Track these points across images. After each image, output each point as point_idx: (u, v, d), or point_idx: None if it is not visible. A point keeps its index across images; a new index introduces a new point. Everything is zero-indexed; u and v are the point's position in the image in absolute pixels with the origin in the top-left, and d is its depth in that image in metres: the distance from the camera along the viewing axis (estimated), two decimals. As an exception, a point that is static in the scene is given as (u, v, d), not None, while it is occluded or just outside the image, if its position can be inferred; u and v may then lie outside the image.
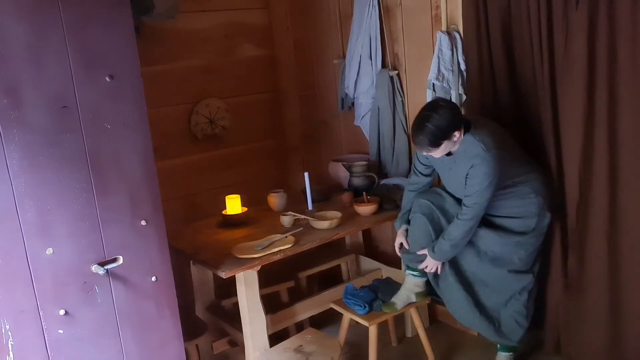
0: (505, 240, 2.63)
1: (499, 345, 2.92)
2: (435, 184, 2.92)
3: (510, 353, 2.90)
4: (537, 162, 2.72)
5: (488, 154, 2.44)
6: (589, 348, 2.72)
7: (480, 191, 2.48)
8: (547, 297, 2.87)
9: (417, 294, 2.84)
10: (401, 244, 2.88)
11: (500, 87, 2.85)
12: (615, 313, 2.60)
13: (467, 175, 2.50)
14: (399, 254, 2.92)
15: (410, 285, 2.84)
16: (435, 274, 2.75)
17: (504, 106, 2.85)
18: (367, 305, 2.80)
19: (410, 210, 2.83)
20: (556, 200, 2.70)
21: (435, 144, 2.43)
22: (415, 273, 2.83)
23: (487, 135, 2.49)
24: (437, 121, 2.40)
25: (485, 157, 2.44)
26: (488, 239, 2.64)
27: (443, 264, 2.70)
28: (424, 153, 2.55)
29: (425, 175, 2.81)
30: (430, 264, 2.69)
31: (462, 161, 2.52)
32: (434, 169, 2.77)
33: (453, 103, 2.62)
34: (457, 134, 2.45)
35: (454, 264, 2.72)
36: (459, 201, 2.71)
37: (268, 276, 3.08)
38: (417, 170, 2.82)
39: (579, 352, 2.78)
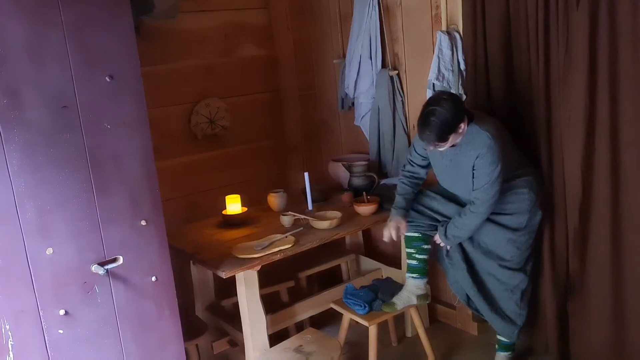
0: (498, 235, 2.63)
1: (497, 345, 2.93)
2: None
3: (509, 352, 2.91)
4: (530, 160, 2.72)
5: (494, 141, 2.44)
6: (593, 349, 2.72)
7: (490, 184, 2.46)
8: (539, 297, 2.87)
9: (419, 297, 2.84)
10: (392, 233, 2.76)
11: (498, 87, 2.85)
12: (619, 313, 2.59)
13: (473, 167, 2.49)
14: (387, 239, 2.77)
15: (412, 288, 2.84)
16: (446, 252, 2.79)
17: (502, 105, 2.85)
18: (367, 305, 2.80)
19: (406, 202, 2.76)
20: (547, 199, 2.71)
21: (443, 138, 2.41)
22: (415, 275, 2.83)
23: (491, 125, 2.50)
24: (443, 115, 2.37)
25: (491, 145, 2.43)
26: (482, 230, 2.64)
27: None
28: (431, 148, 2.50)
29: (422, 167, 2.79)
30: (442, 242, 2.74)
31: (467, 151, 2.50)
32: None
33: (455, 95, 2.61)
34: (462, 125, 2.43)
35: (460, 244, 2.74)
36: (450, 199, 2.72)
37: (268, 276, 3.08)
38: (413, 161, 2.80)
39: (583, 353, 2.77)
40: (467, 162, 2.51)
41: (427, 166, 2.79)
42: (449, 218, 2.70)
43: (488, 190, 2.49)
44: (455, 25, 3.00)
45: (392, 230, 2.73)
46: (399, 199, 2.78)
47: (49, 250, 1.84)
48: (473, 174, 2.51)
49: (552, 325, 2.85)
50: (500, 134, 2.52)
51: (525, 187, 2.59)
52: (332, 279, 3.58)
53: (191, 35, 3.40)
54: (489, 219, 2.61)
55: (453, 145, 2.53)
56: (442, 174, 2.73)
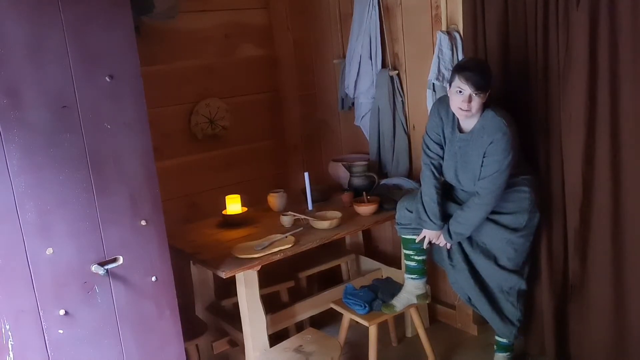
0: (497, 235, 2.62)
1: (495, 346, 2.93)
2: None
3: (507, 353, 2.90)
4: (528, 161, 2.72)
5: (509, 129, 2.42)
6: (593, 350, 2.71)
7: (499, 172, 2.43)
8: (536, 298, 2.87)
9: (418, 296, 2.85)
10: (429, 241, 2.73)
11: (498, 87, 2.84)
12: (620, 314, 2.59)
13: (484, 154, 2.46)
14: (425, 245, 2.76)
15: (411, 288, 2.84)
16: (448, 251, 2.75)
17: (501, 105, 2.84)
18: (367, 305, 2.80)
19: (442, 211, 2.64)
20: (544, 200, 2.70)
21: (484, 87, 2.40)
22: (414, 276, 2.83)
23: (505, 115, 2.48)
24: (486, 64, 2.53)
25: (506, 132, 2.41)
26: (481, 230, 2.63)
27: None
28: (468, 92, 2.39)
29: (441, 157, 2.67)
30: (433, 238, 2.69)
31: (480, 137, 2.47)
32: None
33: None
34: (490, 92, 2.44)
35: (460, 246, 2.72)
36: (447, 198, 2.71)
37: (268, 276, 3.08)
38: (431, 150, 2.66)
39: (583, 354, 2.77)
40: (478, 149, 2.48)
41: (443, 157, 2.68)
42: (447, 217, 2.69)
43: (496, 179, 2.46)
44: (455, 25, 3.00)
45: (429, 241, 2.71)
46: (433, 208, 2.63)
47: (49, 250, 1.84)
48: (482, 161, 2.48)
49: (548, 326, 2.85)
50: (514, 125, 2.50)
51: (527, 186, 2.58)
52: (332, 279, 3.58)
53: (191, 35, 3.40)
54: (488, 218, 2.60)
55: (461, 132, 2.53)
56: (448, 161, 2.65)
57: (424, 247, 2.76)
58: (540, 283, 2.83)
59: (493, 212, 2.58)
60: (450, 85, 2.50)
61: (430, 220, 2.64)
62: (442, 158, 2.67)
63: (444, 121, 2.61)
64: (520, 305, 2.74)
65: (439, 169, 2.68)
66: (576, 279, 2.73)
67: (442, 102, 2.62)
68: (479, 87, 2.39)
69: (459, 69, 2.47)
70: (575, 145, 2.56)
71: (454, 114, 2.56)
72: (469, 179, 2.59)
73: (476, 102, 2.42)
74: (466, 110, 2.43)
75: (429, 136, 2.68)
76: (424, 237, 2.72)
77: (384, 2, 3.30)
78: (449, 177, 2.69)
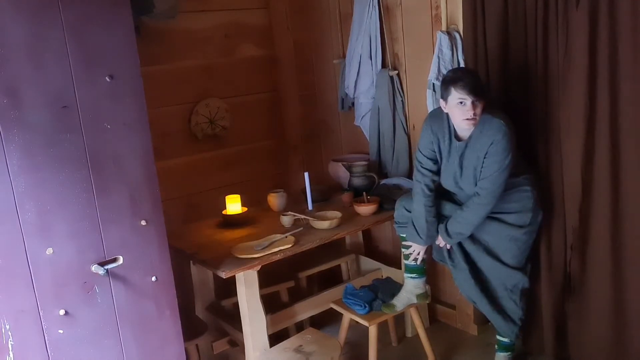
0: (500, 233, 2.62)
1: (496, 346, 2.93)
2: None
3: (508, 353, 2.90)
4: (528, 160, 2.72)
5: (508, 129, 2.44)
6: (592, 349, 2.72)
7: (499, 171, 2.44)
8: (536, 297, 2.87)
9: (418, 296, 2.85)
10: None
11: (498, 87, 2.85)
12: (619, 313, 2.59)
13: (485, 155, 2.46)
14: (417, 262, 2.81)
15: (411, 288, 2.84)
16: (449, 250, 2.76)
17: (501, 106, 2.85)
18: (367, 305, 2.80)
19: (432, 229, 2.68)
20: (544, 199, 2.70)
21: (482, 91, 2.40)
22: (413, 275, 2.83)
23: (502, 116, 2.49)
24: (477, 73, 2.56)
25: (506, 132, 2.42)
26: (484, 229, 2.63)
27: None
28: (470, 100, 2.37)
29: (434, 172, 2.66)
30: (420, 251, 2.76)
31: (479, 140, 2.47)
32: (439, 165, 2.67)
33: None
34: (485, 101, 2.44)
35: (461, 245, 2.73)
36: (446, 199, 2.72)
37: (268, 276, 3.08)
38: (425, 168, 2.66)
39: (582, 354, 2.77)
40: (477, 152, 2.48)
41: (438, 172, 2.68)
42: (446, 217, 2.69)
43: (496, 178, 2.46)
44: (455, 25, 3.00)
45: (418, 256, 2.79)
46: (421, 225, 2.67)
47: (49, 250, 1.84)
48: (483, 162, 2.48)
49: (548, 326, 2.85)
50: (512, 126, 2.50)
51: (529, 185, 2.59)
52: (332, 279, 3.58)
53: (191, 35, 3.40)
54: (492, 218, 2.60)
55: (459, 140, 2.53)
56: (446, 172, 2.65)
57: (411, 260, 2.81)
58: (540, 283, 2.83)
59: (497, 212, 2.59)
60: (445, 100, 2.47)
61: (419, 235, 2.70)
62: (435, 174, 2.67)
63: (438, 136, 2.61)
64: (522, 303, 2.74)
65: (431, 185, 2.66)
66: (576, 279, 2.73)
67: (434, 117, 2.63)
68: (477, 93, 2.39)
69: (451, 81, 2.43)
70: (575, 145, 2.56)
71: (449, 125, 2.56)
72: (470, 183, 2.59)
73: (479, 107, 2.42)
74: (473, 119, 2.43)
75: (422, 153, 2.67)
76: (414, 250, 2.78)
77: (384, 2, 3.30)
78: (449, 186, 2.70)
